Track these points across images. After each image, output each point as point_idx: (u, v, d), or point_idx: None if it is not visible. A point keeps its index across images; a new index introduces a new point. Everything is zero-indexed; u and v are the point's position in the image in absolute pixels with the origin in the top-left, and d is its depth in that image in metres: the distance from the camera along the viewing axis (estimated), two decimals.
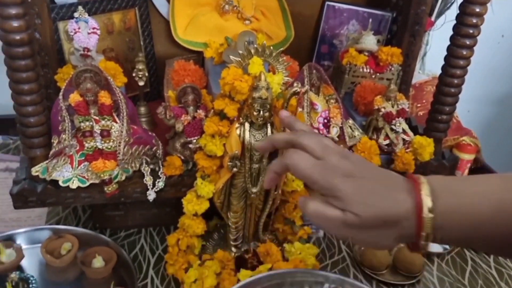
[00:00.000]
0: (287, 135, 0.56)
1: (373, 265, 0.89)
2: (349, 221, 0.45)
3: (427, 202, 0.43)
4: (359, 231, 0.46)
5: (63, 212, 0.99)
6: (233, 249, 0.85)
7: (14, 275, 0.75)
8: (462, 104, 0.93)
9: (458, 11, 0.82)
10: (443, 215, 0.43)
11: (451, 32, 0.85)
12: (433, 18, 1.22)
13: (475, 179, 0.47)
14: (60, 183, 0.76)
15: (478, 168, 1.21)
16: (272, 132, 0.74)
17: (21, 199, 0.77)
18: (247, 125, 0.73)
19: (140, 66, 0.93)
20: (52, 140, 0.77)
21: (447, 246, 0.96)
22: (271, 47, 0.70)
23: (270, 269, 0.79)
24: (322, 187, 0.47)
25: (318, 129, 0.87)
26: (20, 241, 0.86)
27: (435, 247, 0.96)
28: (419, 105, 1.20)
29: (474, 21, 0.80)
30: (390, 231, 0.45)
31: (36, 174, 0.76)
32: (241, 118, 0.73)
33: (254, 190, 0.78)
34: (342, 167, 0.47)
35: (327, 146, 0.50)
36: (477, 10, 0.79)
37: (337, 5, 1.12)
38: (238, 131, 0.73)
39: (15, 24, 0.66)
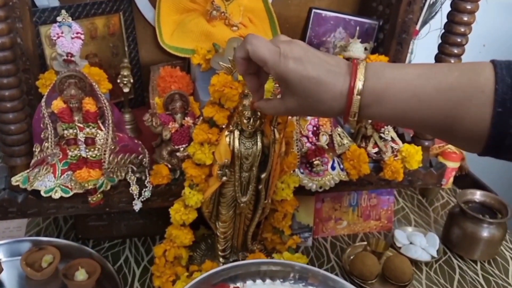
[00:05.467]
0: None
1: (363, 274, 0.88)
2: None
3: (358, 85, 0.51)
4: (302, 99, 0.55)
5: (44, 223, 0.96)
6: (221, 259, 0.83)
7: None
8: None
9: (446, 20, 0.82)
10: (369, 97, 0.52)
11: (435, 41, 0.85)
12: (417, 27, 1.23)
13: (409, 67, 0.54)
14: (42, 193, 0.73)
15: (463, 175, 1.22)
16: (262, 141, 0.72)
17: (0, 210, 0.74)
18: (237, 133, 0.72)
19: (125, 72, 0.91)
20: (33, 149, 0.74)
21: (435, 254, 0.96)
22: None
23: None
24: (276, 73, 0.55)
25: (307, 136, 0.86)
26: None
27: (423, 256, 0.96)
28: None
29: (462, 29, 0.81)
30: (325, 101, 0.54)
31: (17, 184, 0.73)
32: (231, 126, 0.72)
33: (243, 199, 0.76)
34: (294, 52, 0.54)
35: (278, 36, 0.58)
36: (465, 19, 0.80)
37: (324, 12, 1.11)
38: (227, 139, 0.72)
39: None
